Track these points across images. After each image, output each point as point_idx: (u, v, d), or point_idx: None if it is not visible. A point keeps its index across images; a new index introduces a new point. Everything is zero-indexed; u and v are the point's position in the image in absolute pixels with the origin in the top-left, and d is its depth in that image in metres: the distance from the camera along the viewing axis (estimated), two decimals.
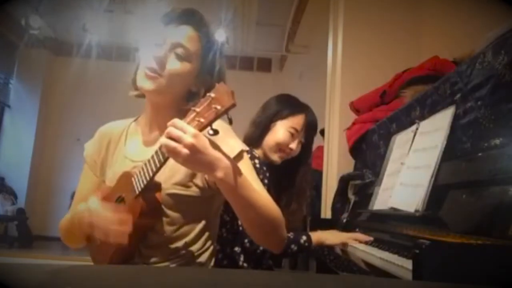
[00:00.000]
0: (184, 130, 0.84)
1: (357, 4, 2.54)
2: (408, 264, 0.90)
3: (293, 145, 1.61)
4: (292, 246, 1.44)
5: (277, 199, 1.09)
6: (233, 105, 0.82)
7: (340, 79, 2.47)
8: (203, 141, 0.86)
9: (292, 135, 1.60)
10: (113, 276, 0.64)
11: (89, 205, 0.98)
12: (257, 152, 1.59)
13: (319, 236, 1.51)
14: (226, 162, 0.89)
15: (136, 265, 1.03)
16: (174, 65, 1.05)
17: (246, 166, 1.03)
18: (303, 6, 4.64)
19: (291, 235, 1.45)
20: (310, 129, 1.67)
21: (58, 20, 6.02)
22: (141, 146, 1.15)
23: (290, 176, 1.66)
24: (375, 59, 2.44)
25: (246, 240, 1.42)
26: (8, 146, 6.58)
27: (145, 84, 1.05)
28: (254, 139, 1.61)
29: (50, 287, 0.51)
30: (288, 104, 1.65)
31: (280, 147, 1.60)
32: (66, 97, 6.72)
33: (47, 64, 6.83)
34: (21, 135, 6.63)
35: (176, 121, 0.86)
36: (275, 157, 1.61)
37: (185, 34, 1.06)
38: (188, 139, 0.83)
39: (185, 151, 0.83)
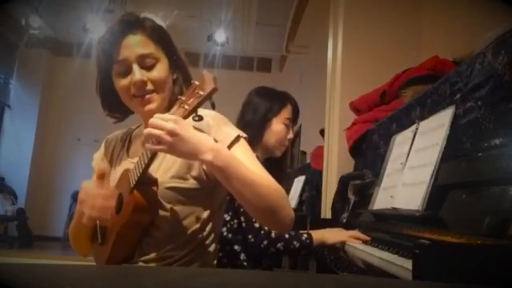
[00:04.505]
0: (165, 118, 0.88)
1: (357, 4, 2.53)
2: (408, 264, 0.90)
3: (291, 135, 1.70)
4: (295, 242, 1.48)
5: None
6: (214, 90, 0.86)
7: (340, 79, 2.46)
8: (184, 125, 0.89)
9: (287, 126, 1.68)
10: (113, 276, 0.64)
11: (82, 185, 1.04)
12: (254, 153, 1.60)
13: (321, 236, 1.55)
14: (211, 143, 0.92)
15: (136, 265, 1.03)
16: (153, 75, 1.06)
17: (243, 149, 1.04)
18: (303, 6, 4.64)
19: (292, 233, 1.48)
20: (296, 114, 1.75)
21: (58, 20, 6.02)
22: (141, 148, 1.16)
23: (278, 159, 1.72)
24: (375, 59, 2.44)
25: (250, 236, 1.44)
26: (8, 146, 6.57)
27: (149, 107, 1.06)
28: (250, 141, 1.61)
29: (50, 287, 0.51)
30: (274, 98, 1.70)
31: (281, 142, 1.67)
32: (66, 97, 6.71)
33: (47, 64, 6.83)
34: (21, 135, 6.62)
35: (157, 114, 0.90)
36: (278, 152, 1.68)
37: (137, 43, 1.06)
38: (169, 125, 0.87)
39: (167, 137, 0.87)
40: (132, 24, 1.08)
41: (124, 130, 1.27)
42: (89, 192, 1.01)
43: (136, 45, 1.06)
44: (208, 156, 0.90)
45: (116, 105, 1.14)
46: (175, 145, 0.88)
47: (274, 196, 0.98)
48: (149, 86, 1.06)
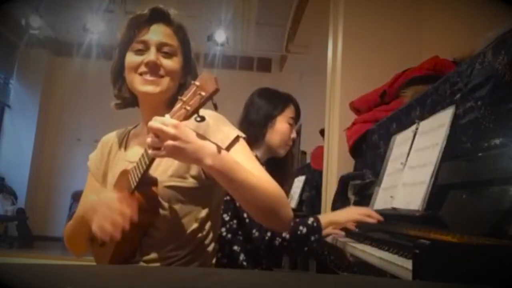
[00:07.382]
0: (165, 123, 0.87)
1: (357, 4, 2.53)
2: (408, 264, 0.90)
3: (294, 134, 1.69)
4: (301, 228, 1.43)
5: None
6: (217, 90, 0.86)
7: (340, 79, 2.46)
8: (184, 131, 0.89)
9: (291, 125, 1.67)
10: (113, 276, 0.64)
11: (99, 193, 1.01)
12: (256, 152, 1.59)
13: (330, 218, 1.52)
14: (211, 148, 0.92)
15: (136, 265, 1.03)
16: (167, 63, 1.08)
17: (242, 150, 1.05)
18: (303, 6, 4.64)
19: (297, 219, 1.46)
20: (298, 115, 1.74)
21: (58, 20, 6.02)
22: (138, 148, 1.16)
23: (281, 159, 1.71)
24: (375, 59, 2.44)
25: (254, 230, 1.42)
26: (8, 146, 6.57)
27: (148, 88, 1.07)
28: (252, 140, 1.59)
29: (50, 287, 0.51)
30: (277, 98, 1.69)
31: (285, 141, 1.65)
32: (66, 97, 6.72)
33: (47, 64, 6.83)
34: (21, 135, 6.63)
35: (156, 117, 0.89)
36: (282, 151, 1.66)
37: (162, 32, 1.10)
38: (170, 130, 0.87)
39: (169, 143, 0.87)
40: (164, 15, 1.11)
41: (121, 129, 1.27)
42: (104, 201, 0.94)
43: (161, 33, 1.09)
44: (209, 161, 0.90)
45: (126, 85, 1.14)
46: (176, 150, 0.88)
47: (273, 197, 0.99)
48: (162, 72, 1.08)
